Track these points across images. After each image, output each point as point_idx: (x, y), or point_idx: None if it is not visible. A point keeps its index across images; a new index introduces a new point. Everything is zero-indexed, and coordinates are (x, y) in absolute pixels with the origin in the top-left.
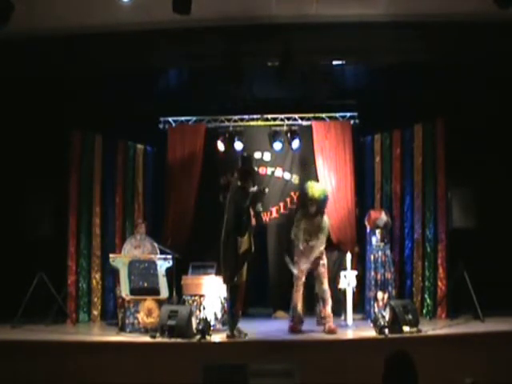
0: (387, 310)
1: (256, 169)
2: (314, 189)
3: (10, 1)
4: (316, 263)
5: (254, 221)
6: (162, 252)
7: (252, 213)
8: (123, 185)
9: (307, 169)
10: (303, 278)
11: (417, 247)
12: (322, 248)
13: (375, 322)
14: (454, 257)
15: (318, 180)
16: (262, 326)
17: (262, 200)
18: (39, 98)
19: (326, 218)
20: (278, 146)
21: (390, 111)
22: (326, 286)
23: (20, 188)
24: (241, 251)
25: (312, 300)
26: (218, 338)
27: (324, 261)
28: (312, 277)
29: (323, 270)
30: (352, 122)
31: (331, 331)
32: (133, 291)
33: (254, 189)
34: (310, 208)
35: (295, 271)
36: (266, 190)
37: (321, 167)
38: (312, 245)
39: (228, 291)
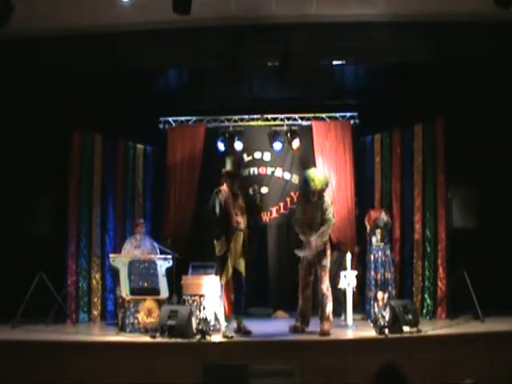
0: (387, 310)
1: (242, 170)
2: (316, 180)
3: (10, 1)
4: (318, 261)
5: (239, 222)
6: (161, 252)
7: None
8: (123, 185)
9: (307, 169)
10: (308, 278)
11: (417, 247)
12: (326, 237)
13: (375, 321)
14: (454, 257)
15: None
16: (262, 326)
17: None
18: (39, 98)
19: (327, 198)
20: (277, 145)
21: (390, 111)
22: (324, 290)
23: (20, 188)
24: (218, 254)
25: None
26: (217, 338)
27: (326, 262)
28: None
29: (323, 274)
30: (352, 121)
31: (323, 333)
32: (133, 291)
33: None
34: (312, 198)
35: (306, 253)
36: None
37: (321, 167)
38: (316, 226)
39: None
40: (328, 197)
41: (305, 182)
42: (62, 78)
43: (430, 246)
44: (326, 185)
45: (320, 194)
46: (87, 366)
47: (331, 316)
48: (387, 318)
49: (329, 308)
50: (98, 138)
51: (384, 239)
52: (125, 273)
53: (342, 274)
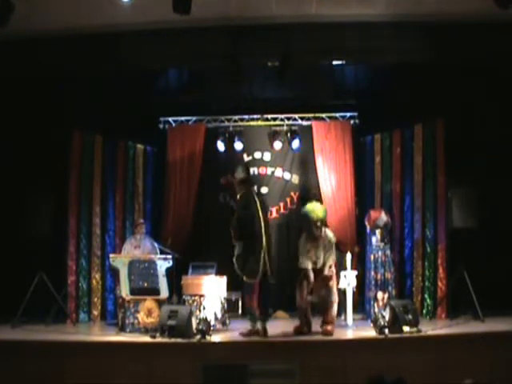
0: (387, 309)
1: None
2: (316, 211)
3: (10, 1)
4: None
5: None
6: (162, 252)
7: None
8: (123, 185)
9: (307, 169)
10: (311, 279)
11: (417, 247)
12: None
13: (375, 322)
14: (454, 257)
15: (317, 180)
16: None
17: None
18: (39, 98)
19: (329, 233)
20: (278, 145)
21: (390, 111)
22: (333, 288)
23: (20, 188)
24: None
25: None
26: (217, 338)
27: (332, 272)
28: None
29: (330, 274)
30: (352, 122)
31: (326, 333)
32: (133, 291)
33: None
34: (317, 230)
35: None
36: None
37: (321, 167)
38: (320, 266)
39: None
40: (331, 233)
41: (305, 215)
42: (61, 77)
43: (429, 246)
44: (326, 213)
45: (323, 225)
46: (87, 365)
47: (335, 317)
48: (387, 318)
49: (335, 307)
50: (98, 138)
51: (384, 239)
52: (125, 273)
53: (342, 273)
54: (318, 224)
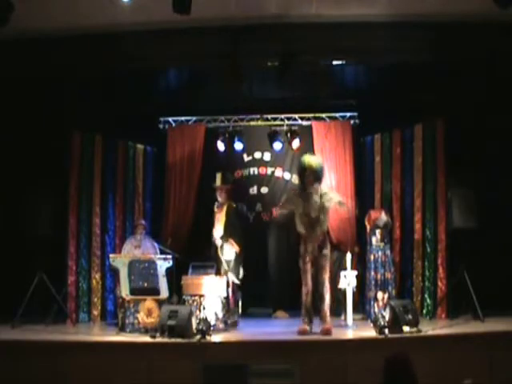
0: (387, 310)
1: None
2: (311, 159)
3: (10, 1)
4: (319, 251)
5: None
6: (162, 252)
7: None
8: (123, 185)
9: None
10: (310, 271)
11: (417, 247)
12: (325, 227)
13: (375, 322)
14: (453, 257)
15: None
16: (262, 326)
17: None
18: (39, 98)
19: (324, 189)
20: (277, 145)
21: (390, 111)
22: (326, 281)
23: (20, 188)
24: None
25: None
26: (218, 338)
27: (326, 251)
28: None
29: (324, 263)
30: (352, 122)
31: (325, 332)
32: (133, 291)
33: None
34: (307, 181)
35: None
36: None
37: None
38: (313, 223)
39: None
40: (326, 187)
41: (299, 163)
42: (61, 77)
43: (430, 245)
44: (321, 167)
45: (316, 179)
46: (87, 365)
47: (328, 312)
48: (387, 318)
49: (327, 302)
50: (98, 138)
51: (384, 239)
52: (125, 273)
53: (342, 273)
54: (307, 173)
